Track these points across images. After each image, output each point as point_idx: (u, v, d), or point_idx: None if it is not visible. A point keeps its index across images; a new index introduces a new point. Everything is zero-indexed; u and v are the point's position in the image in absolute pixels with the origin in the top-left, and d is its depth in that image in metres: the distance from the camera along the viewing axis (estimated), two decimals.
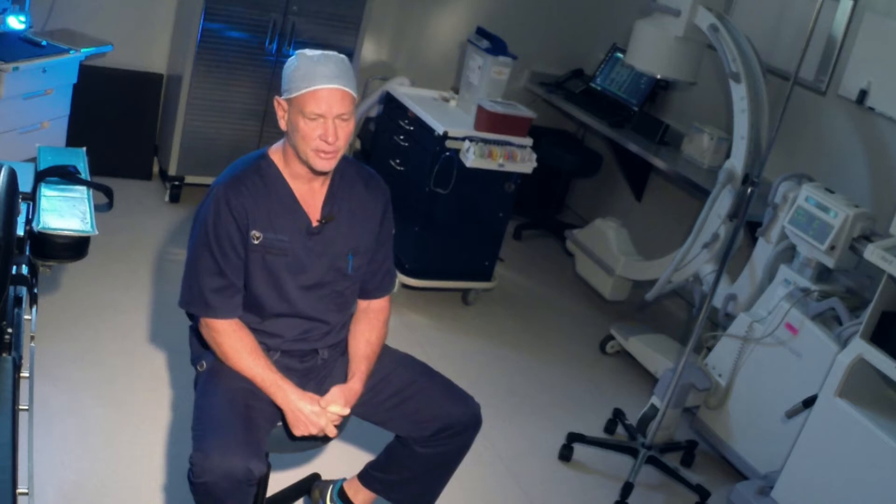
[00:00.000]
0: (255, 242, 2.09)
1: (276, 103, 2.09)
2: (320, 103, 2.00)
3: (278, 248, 2.10)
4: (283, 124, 2.09)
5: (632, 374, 3.94)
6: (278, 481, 2.62)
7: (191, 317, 2.31)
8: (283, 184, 2.12)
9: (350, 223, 2.19)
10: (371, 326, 2.27)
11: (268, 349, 2.16)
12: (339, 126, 2.03)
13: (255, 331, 2.14)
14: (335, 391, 2.11)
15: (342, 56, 2.07)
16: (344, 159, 2.20)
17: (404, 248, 3.93)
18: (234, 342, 2.09)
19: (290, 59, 2.07)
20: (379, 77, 4.87)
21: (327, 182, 2.17)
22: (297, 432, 2.07)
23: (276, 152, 2.15)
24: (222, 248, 2.06)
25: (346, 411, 2.10)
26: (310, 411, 2.05)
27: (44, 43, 3.80)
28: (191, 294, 2.11)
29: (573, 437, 3.25)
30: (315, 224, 2.15)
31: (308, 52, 2.06)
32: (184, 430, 2.74)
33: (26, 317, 2.12)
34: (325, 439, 2.14)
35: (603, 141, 5.11)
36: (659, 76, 3.86)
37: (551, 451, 3.24)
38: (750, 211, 2.98)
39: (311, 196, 2.15)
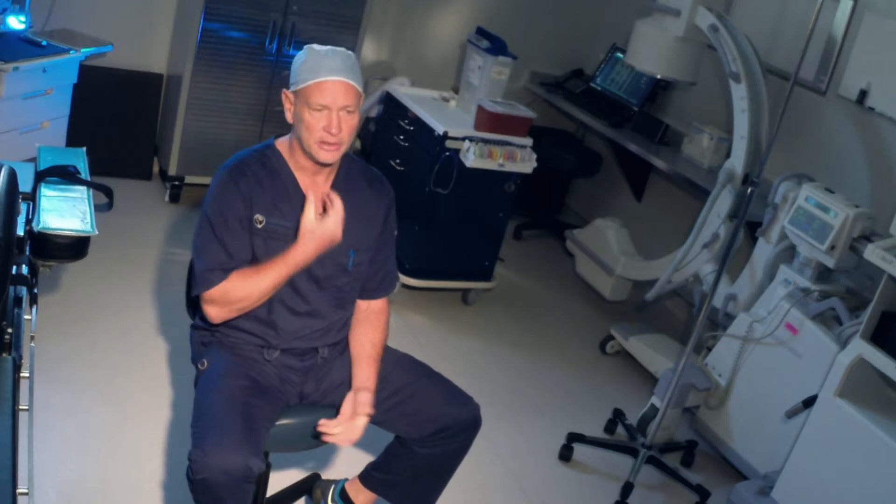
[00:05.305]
0: (259, 226, 2.10)
1: (283, 96, 2.12)
2: (325, 94, 2.02)
3: (281, 234, 2.11)
4: (289, 116, 2.11)
5: (632, 374, 3.94)
6: (279, 481, 2.62)
7: (191, 315, 2.31)
8: (288, 172, 2.14)
9: (351, 220, 2.19)
10: (374, 328, 2.28)
11: (269, 346, 2.17)
12: (343, 118, 2.04)
13: (260, 322, 2.14)
14: (354, 401, 2.11)
15: (349, 52, 2.09)
16: (351, 158, 2.22)
17: (404, 248, 3.91)
18: (238, 282, 2.06)
19: (298, 54, 2.10)
20: (379, 77, 4.87)
21: (331, 177, 2.18)
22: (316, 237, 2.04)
23: (282, 143, 2.17)
24: (230, 227, 2.07)
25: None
26: (310, 220, 2.02)
27: (44, 43, 3.80)
28: (202, 277, 2.08)
29: (573, 437, 3.25)
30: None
31: (316, 46, 2.08)
32: (184, 430, 2.73)
33: (26, 317, 2.12)
34: (320, 443, 2.14)
35: (603, 141, 5.11)
36: (659, 76, 3.86)
37: (551, 451, 3.24)
38: (750, 211, 2.99)
39: (315, 188, 2.16)
